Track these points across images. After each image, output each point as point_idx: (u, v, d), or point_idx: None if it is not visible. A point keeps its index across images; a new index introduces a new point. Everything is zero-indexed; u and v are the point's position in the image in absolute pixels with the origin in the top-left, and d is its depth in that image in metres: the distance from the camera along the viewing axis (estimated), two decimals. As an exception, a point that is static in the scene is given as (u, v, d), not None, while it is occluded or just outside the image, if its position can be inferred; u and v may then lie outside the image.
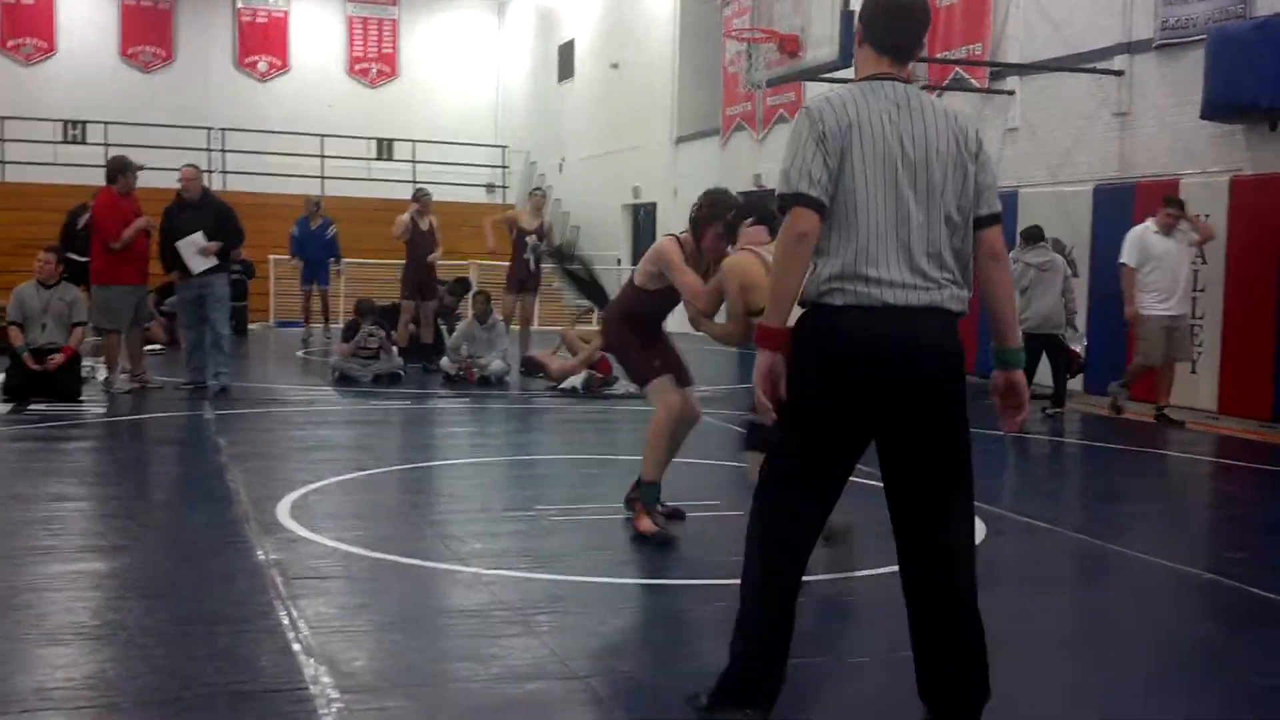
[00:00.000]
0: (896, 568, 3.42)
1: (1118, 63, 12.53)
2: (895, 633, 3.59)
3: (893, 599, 3.51)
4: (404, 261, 13.98)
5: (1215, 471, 9.03)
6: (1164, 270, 10.50)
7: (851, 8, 12.00)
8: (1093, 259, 12.54)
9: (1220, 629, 4.90)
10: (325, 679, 3.82)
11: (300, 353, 16.02)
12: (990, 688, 3.31)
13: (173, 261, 11.07)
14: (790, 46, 12.48)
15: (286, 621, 4.41)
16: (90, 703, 3.63)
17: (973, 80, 14.59)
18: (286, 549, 5.51)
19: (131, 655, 4.06)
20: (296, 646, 4.13)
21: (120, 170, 11.14)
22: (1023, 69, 13.82)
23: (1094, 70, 12.75)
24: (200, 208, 11.07)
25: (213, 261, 10.96)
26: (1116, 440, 9.92)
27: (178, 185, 11.30)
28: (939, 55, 14.92)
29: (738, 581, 3.42)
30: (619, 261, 24.60)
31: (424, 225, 13.70)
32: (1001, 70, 14.18)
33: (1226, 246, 10.94)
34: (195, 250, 10.90)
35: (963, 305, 3.32)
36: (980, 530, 6.09)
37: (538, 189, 14.68)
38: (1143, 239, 10.60)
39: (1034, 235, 11.41)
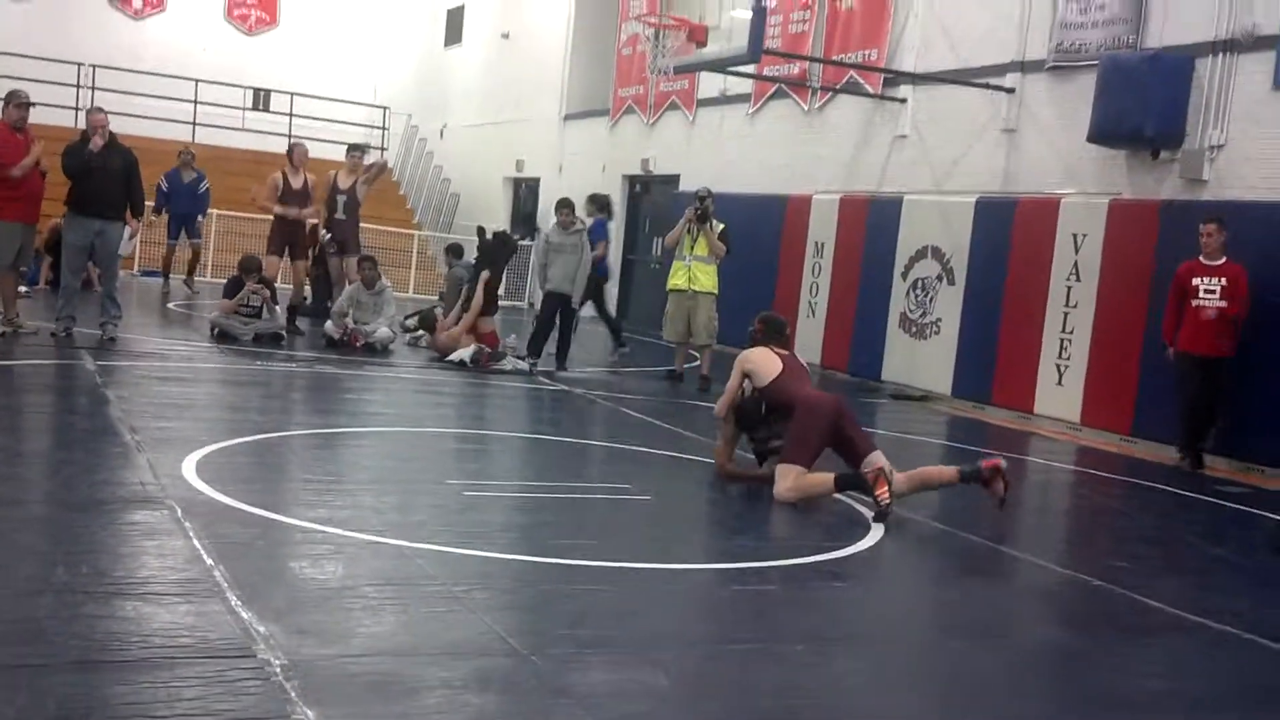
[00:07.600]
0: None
1: (1009, 80, 12.98)
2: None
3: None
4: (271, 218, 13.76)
5: (1082, 481, 9.49)
6: None
7: (764, 4, 12.21)
8: (969, 269, 12.92)
9: (1109, 633, 5.21)
10: (273, 644, 3.81)
11: (172, 304, 15.57)
12: None
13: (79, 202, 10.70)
14: (698, 36, 12.65)
15: (222, 584, 4.37)
16: (20, 661, 3.53)
17: (866, 86, 14.93)
18: (201, 511, 5.42)
19: (65, 615, 3.96)
20: (237, 610, 4.09)
21: (5, 101, 10.72)
22: (916, 79, 14.18)
23: (986, 85, 13.16)
24: (108, 153, 10.69)
25: (134, 243, 11.38)
26: (983, 444, 10.34)
27: (84, 127, 10.94)
28: (835, 58, 15.23)
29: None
30: (497, 233, 24.47)
31: (296, 183, 13.47)
32: (895, 78, 14.53)
33: (1101, 265, 11.43)
34: (126, 239, 11.58)
35: None
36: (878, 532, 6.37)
37: (356, 148, 14.46)
38: None
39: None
